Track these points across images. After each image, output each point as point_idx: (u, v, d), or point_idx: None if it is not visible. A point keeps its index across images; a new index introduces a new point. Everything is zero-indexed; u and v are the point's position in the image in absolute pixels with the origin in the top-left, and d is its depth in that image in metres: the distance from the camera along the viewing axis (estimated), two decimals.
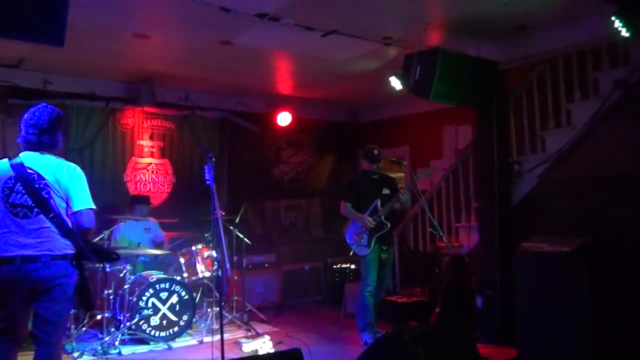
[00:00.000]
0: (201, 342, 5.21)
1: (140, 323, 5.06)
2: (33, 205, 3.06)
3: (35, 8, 2.99)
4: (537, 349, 4.31)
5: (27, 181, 3.07)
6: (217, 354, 3.86)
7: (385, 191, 5.32)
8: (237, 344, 5.09)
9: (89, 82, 6.36)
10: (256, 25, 4.55)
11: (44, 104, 3.28)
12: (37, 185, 3.08)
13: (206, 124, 7.32)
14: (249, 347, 4.95)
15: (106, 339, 4.91)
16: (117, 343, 4.87)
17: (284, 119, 7.56)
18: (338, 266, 7.41)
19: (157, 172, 6.99)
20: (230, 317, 5.86)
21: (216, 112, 7.34)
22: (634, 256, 4.29)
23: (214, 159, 4.02)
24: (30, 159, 3.15)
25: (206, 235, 5.75)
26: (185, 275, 5.66)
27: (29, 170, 3.10)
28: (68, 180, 3.18)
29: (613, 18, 4.01)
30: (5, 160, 3.18)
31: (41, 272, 3.02)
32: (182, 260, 5.74)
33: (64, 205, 3.18)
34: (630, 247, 4.36)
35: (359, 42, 5.00)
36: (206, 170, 4.02)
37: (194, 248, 5.75)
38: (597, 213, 4.65)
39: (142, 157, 6.89)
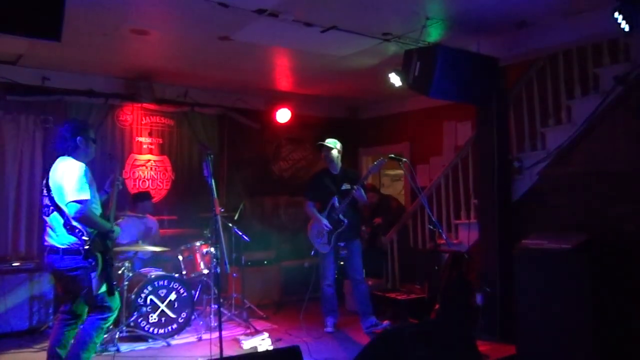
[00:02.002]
0: (200, 339, 5.20)
1: (139, 320, 5.05)
2: (50, 204, 3.60)
3: (32, 3, 2.98)
4: (536, 346, 4.31)
5: (47, 184, 3.63)
6: (216, 351, 3.85)
7: (345, 186, 5.37)
8: (236, 341, 5.08)
9: (88, 79, 6.34)
10: (255, 21, 4.53)
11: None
12: (50, 187, 3.60)
13: (205, 121, 7.30)
14: (248, 344, 4.94)
15: (105, 335, 4.89)
16: (115, 340, 4.85)
17: (283, 115, 7.55)
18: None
19: (156, 169, 6.97)
20: (229, 314, 5.85)
21: (215, 109, 7.32)
22: (635, 253, 4.28)
23: (212, 156, 4.02)
24: (55, 164, 3.69)
25: (205, 232, 5.74)
26: (184, 272, 5.66)
27: (50, 174, 3.65)
28: (60, 178, 3.57)
29: (614, 13, 3.98)
30: None
31: (57, 263, 3.58)
32: (180, 257, 5.73)
33: (65, 201, 3.56)
34: (630, 244, 4.35)
35: (359, 38, 4.98)
36: (205, 167, 4.02)
37: (193, 245, 5.73)
38: (597, 210, 4.64)
39: (141, 154, 6.87)
